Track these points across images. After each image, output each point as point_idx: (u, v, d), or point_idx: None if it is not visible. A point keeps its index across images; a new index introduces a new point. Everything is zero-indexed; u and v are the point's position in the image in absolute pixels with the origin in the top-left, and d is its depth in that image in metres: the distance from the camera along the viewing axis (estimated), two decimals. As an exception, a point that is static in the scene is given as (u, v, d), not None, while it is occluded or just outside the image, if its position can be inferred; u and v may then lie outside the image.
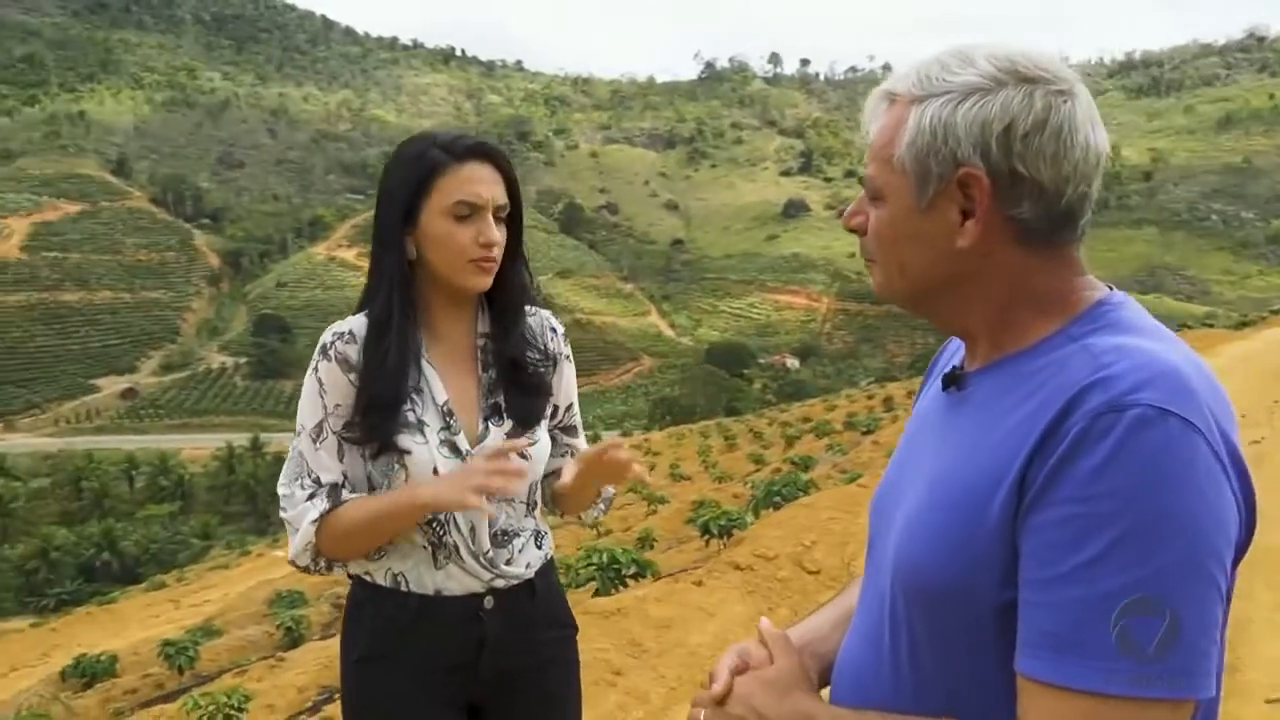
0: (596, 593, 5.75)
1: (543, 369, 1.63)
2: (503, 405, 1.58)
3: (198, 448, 65.89)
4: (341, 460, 1.52)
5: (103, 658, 10.75)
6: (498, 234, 1.52)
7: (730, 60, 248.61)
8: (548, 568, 1.65)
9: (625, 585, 5.85)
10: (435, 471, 1.51)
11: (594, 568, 6.16)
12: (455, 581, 1.54)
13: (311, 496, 1.51)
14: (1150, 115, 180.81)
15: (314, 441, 1.52)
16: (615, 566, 6.10)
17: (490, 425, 1.56)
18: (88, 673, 10.45)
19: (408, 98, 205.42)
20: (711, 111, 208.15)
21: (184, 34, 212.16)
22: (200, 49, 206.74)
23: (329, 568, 1.56)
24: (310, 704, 6.40)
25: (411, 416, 1.51)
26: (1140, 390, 0.75)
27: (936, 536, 0.84)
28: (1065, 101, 0.84)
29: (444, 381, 1.56)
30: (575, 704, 1.70)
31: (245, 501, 57.18)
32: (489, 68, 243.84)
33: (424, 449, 1.51)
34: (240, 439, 64.24)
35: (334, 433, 1.52)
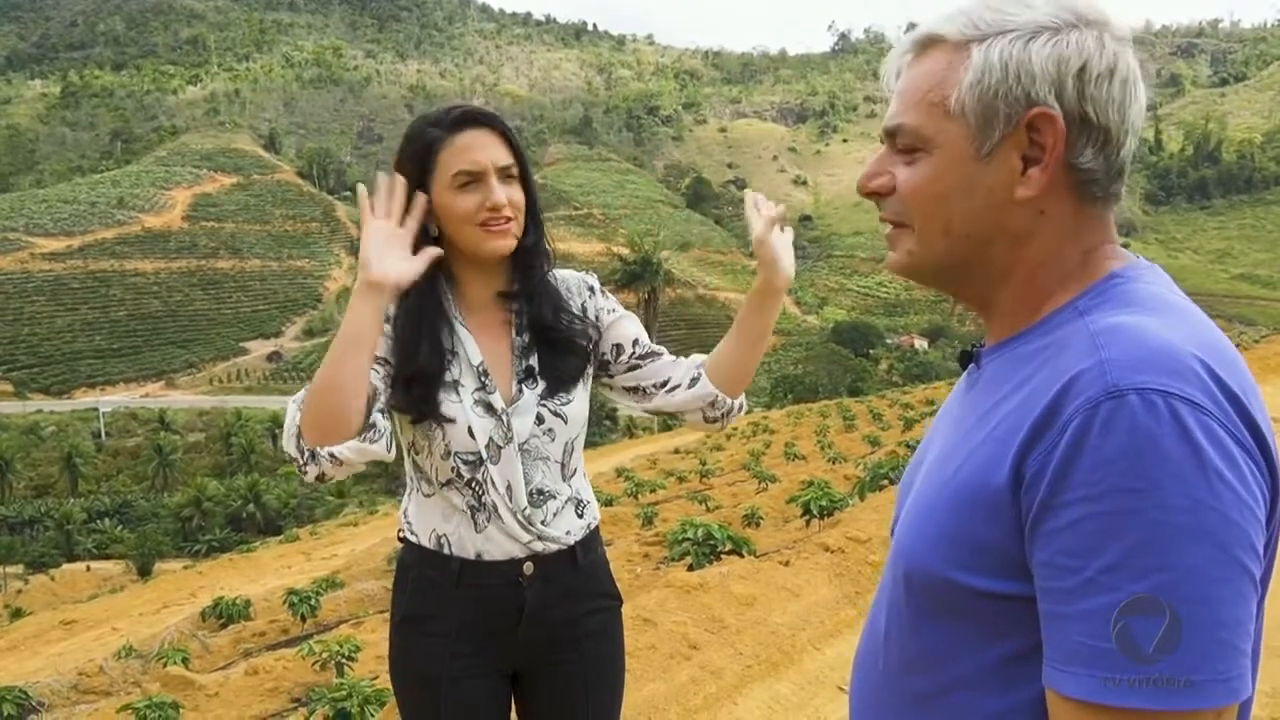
0: (690, 567, 5.75)
1: (576, 329, 1.63)
2: (536, 368, 1.60)
3: (335, 410, 69.18)
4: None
5: (238, 601, 11.43)
6: (503, 195, 1.52)
7: (865, 31, 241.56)
8: (591, 539, 1.66)
9: (719, 561, 5.83)
10: (470, 432, 1.54)
11: (690, 542, 6.16)
12: (495, 545, 1.56)
13: None
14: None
15: None
16: (710, 542, 6.09)
17: (524, 387, 1.59)
18: (224, 614, 11.13)
19: (540, 73, 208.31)
20: (844, 84, 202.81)
21: (331, 14, 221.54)
22: (345, 28, 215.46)
23: (314, 458, 1.53)
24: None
25: (447, 378, 1.55)
26: (1138, 373, 0.71)
27: (926, 520, 0.83)
28: (1128, 49, 0.81)
29: (478, 344, 1.59)
30: (616, 675, 1.71)
31: (376, 462, 59.91)
32: (620, 42, 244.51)
33: (458, 408, 1.54)
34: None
35: None
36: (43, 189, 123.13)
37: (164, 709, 5.61)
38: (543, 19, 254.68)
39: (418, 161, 1.53)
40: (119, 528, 44.76)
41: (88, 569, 35.84)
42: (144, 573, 32.95)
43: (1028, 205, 0.81)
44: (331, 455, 1.53)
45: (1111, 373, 0.71)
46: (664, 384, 1.67)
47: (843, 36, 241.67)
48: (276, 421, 64.73)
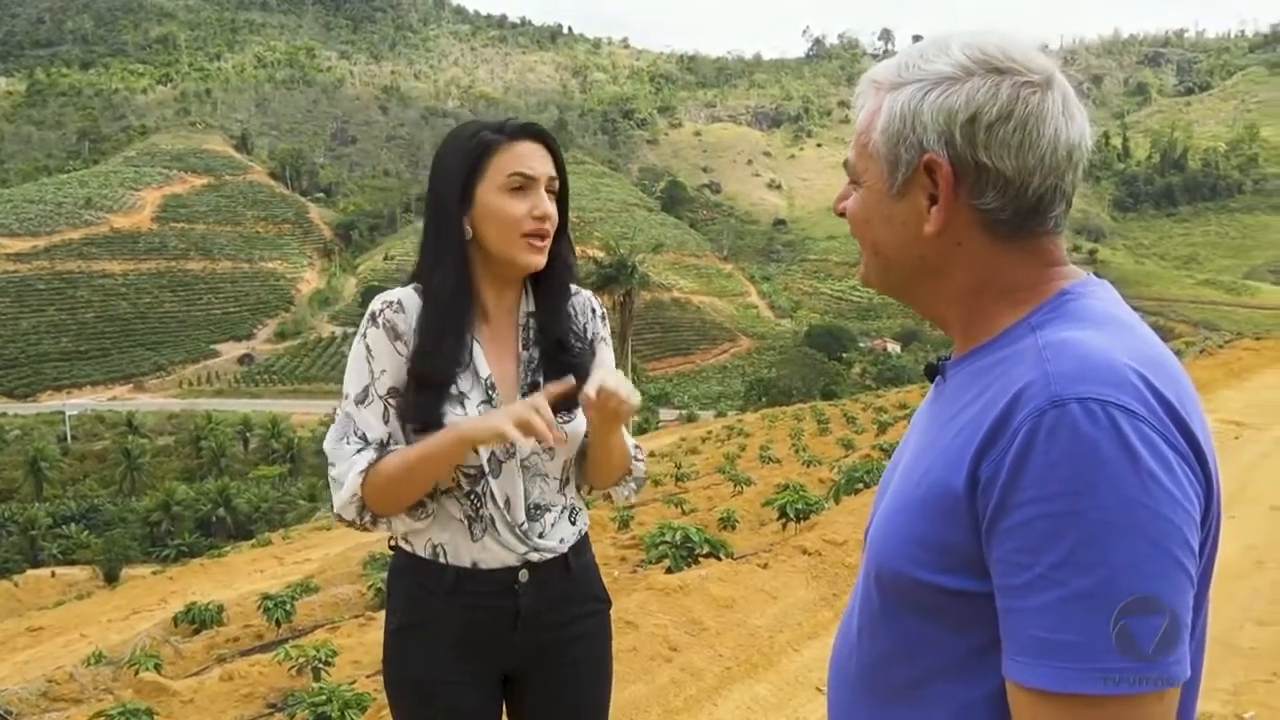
0: (668, 570, 5.79)
1: (583, 351, 1.65)
2: (542, 384, 1.60)
3: (306, 413, 68.64)
4: (386, 423, 1.56)
5: (211, 607, 11.35)
6: (552, 209, 1.56)
7: (839, 37, 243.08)
8: (582, 544, 1.68)
9: (697, 564, 5.87)
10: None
11: (667, 545, 6.20)
12: (491, 555, 1.58)
13: (359, 451, 1.53)
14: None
15: (359, 404, 1.56)
16: (688, 545, 6.13)
17: None
18: (197, 620, 11.05)
19: (515, 75, 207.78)
20: (818, 89, 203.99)
21: (304, 14, 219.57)
22: (319, 29, 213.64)
23: (374, 522, 1.57)
24: (389, 662, 6.65)
25: (453, 389, 1.56)
26: (1079, 383, 0.76)
27: (894, 522, 0.88)
28: (1034, 93, 0.84)
29: (487, 357, 1.60)
30: (606, 677, 1.72)
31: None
32: (595, 45, 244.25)
33: (462, 420, 1.54)
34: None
35: (379, 396, 1.55)
36: (8, 189, 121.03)
37: (138, 716, 5.56)
38: (518, 21, 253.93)
39: (469, 159, 1.54)
40: (85, 533, 44.05)
41: (53, 575, 35.29)
42: (111, 578, 32.49)
43: (941, 239, 0.88)
44: (389, 522, 1.59)
45: (1055, 384, 0.76)
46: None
47: (817, 42, 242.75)
48: (248, 424, 64.15)
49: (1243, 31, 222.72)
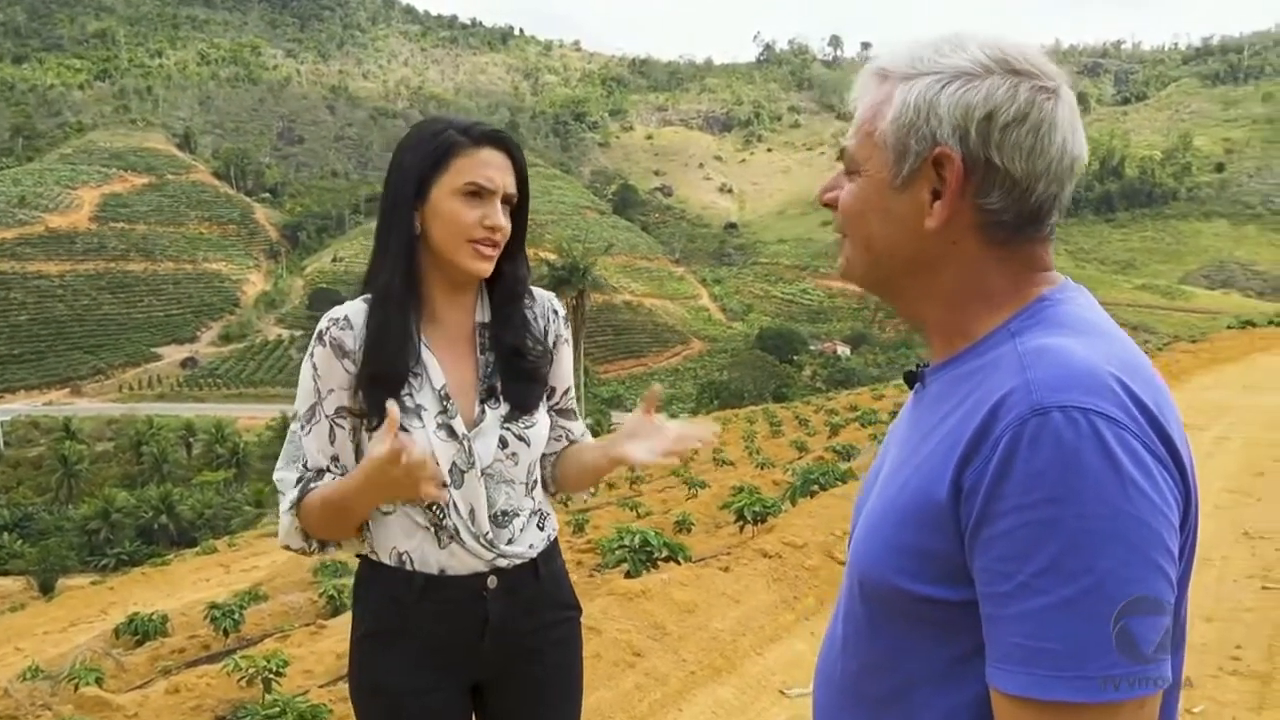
0: (627, 574, 5.76)
1: (541, 356, 1.64)
2: (499, 389, 1.59)
3: (253, 417, 67.38)
4: (333, 443, 1.55)
5: (154, 617, 11.06)
6: (504, 221, 1.55)
7: (790, 42, 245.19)
8: (552, 549, 1.67)
9: (656, 568, 5.85)
10: (433, 457, 1.51)
11: (625, 549, 6.18)
12: (459, 561, 1.56)
13: (299, 481, 1.54)
14: (1226, 103, 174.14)
15: (304, 426, 1.55)
16: (647, 549, 6.11)
17: (487, 408, 1.58)
18: (140, 631, 10.75)
19: (465, 76, 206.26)
20: (769, 94, 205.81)
21: (249, 11, 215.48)
22: (265, 26, 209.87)
23: (323, 547, 1.59)
24: (346, 671, 6.54)
25: (409, 402, 1.52)
26: (1060, 391, 0.76)
27: (877, 532, 0.88)
28: (1049, 100, 0.85)
29: (441, 366, 1.57)
30: (576, 684, 1.71)
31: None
32: (546, 47, 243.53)
33: (420, 434, 1.52)
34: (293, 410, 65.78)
35: (326, 416, 1.54)
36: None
37: (80, 731, 5.38)
38: (469, 22, 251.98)
39: (431, 156, 1.52)
40: (19, 542, 42.66)
41: (-16, 586, 34.12)
42: (46, 589, 31.50)
43: (939, 235, 0.87)
44: (338, 544, 1.62)
45: (1036, 392, 0.77)
46: (553, 455, 1.75)
47: (767, 47, 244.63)
48: (191, 429, 62.73)
49: (1176, 44, 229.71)
